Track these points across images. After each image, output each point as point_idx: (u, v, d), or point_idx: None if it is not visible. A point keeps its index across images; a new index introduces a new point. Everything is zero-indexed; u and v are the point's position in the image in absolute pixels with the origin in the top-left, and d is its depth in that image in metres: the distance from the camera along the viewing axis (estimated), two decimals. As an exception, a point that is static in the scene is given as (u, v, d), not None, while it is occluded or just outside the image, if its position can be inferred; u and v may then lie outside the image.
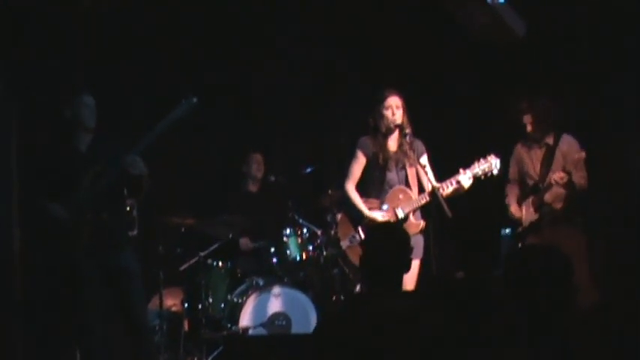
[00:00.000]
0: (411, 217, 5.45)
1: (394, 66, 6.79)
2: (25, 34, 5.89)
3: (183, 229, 6.30)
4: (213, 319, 6.15)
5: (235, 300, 6.14)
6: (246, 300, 6.04)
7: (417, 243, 5.30)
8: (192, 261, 6.24)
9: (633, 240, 6.06)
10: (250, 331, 5.96)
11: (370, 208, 5.45)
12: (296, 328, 6.02)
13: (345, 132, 6.30)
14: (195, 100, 4.72)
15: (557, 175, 5.77)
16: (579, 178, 5.83)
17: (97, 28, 6.29)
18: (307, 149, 7.07)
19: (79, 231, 4.66)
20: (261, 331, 5.98)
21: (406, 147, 5.45)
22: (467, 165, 5.39)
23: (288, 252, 6.34)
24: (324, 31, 7.09)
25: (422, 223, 5.45)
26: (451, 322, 3.16)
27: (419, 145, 5.50)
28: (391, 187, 5.50)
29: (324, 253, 6.27)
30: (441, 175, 5.43)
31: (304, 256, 6.33)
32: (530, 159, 6.04)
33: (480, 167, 5.38)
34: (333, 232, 6.03)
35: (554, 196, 5.89)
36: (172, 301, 6.34)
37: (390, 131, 5.47)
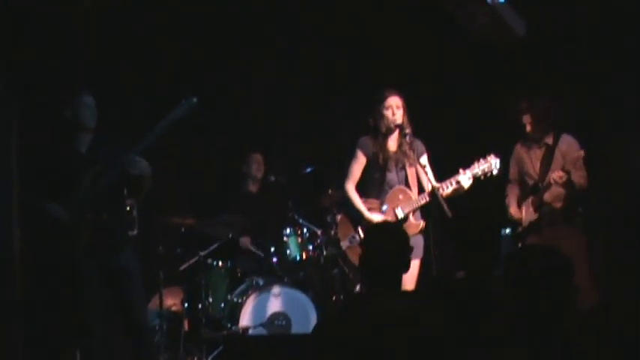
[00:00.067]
0: (411, 217, 5.45)
1: (394, 66, 6.79)
2: (25, 34, 5.89)
3: (183, 229, 6.31)
4: (213, 319, 6.15)
5: (235, 300, 6.14)
6: (246, 300, 6.04)
7: (417, 243, 5.30)
8: (192, 261, 6.25)
9: (633, 240, 6.06)
10: (250, 331, 5.96)
11: (370, 209, 5.45)
12: (296, 328, 6.02)
13: (345, 132, 6.30)
14: (195, 100, 4.72)
15: (556, 175, 5.77)
16: (579, 177, 5.83)
17: (97, 28, 6.29)
18: (307, 149, 7.08)
19: (79, 231, 4.66)
20: (261, 330, 5.98)
21: (406, 147, 5.45)
22: (467, 165, 5.39)
23: (288, 252, 6.34)
24: (324, 31, 7.09)
25: (422, 224, 5.45)
26: (451, 322, 3.16)
27: (419, 145, 5.50)
28: (391, 187, 5.50)
29: (324, 253, 6.27)
30: (441, 175, 5.43)
31: (304, 256, 6.33)
32: (530, 159, 6.04)
33: (479, 167, 5.38)
34: (333, 232, 6.03)
35: (553, 195, 5.89)
36: (172, 301, 6.35)
37: (390, 131, 5.47)
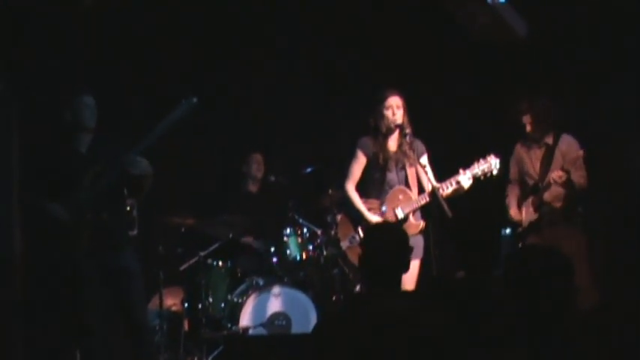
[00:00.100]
0: (411, 217, 5.45)
1: (394, 66, 6.79)
2: (25, 34, 5.89)
3: (183, 229, 6.31)
4: (214, 319, 6.15)
5: (235, 300, 6.14)
6: (246, 300, 6.04)
7: (417, 243, 5.29)
8: (193, 261, 6.24)
9: (633, 240, 6.06)
10: (250, 331, 5.96)
11: (370, 209, 5.45)
12: (296, 328, 6.02)
13: (346, 132, 6.30)
14: (195, 100, 4.72)
15: (555, 174, 5.77)
16: (579, 177, 5.83)
17: (97, 28, 6.29)
18: (307, 149, 7.07)
19: (79, 231, 4.66)
20: (261, 330, 5.98)
21: (406, 147, 5.45)
22: (467, 165, 5.39)
23: (288, 252, 6.34)
24: (324, 31, 7.09)
25: (422, 224, 5.45)
26: (451, 322, 3.16)
27: (419, 145, 5.50)
28: (391, 187, 5.50)
29: (324, 253, 6.27)
30: (441, 176, 5.43)
31: (304, 256, 6.33)
32: (530, 159, 6.04)
33: (479, 167, 5.38)
34: (333, 232, 6.02)
35: (553, 195, 5.89)
36: (172, 301, 6.35)
37: (390, 131, 5.47)
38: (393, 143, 5.51)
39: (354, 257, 5.41)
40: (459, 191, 5.33)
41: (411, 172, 5.50)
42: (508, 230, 6.05)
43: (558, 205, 5.89)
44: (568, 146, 5.91)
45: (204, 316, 6.11)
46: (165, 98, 4.95)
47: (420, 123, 5.55)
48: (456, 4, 6.29)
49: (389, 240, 3.41)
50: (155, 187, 4.87)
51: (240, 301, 6.09)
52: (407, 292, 4.21)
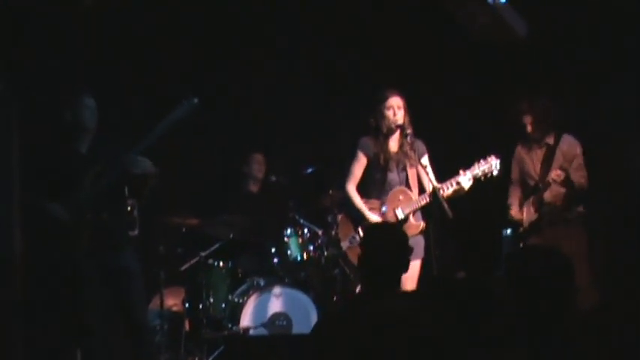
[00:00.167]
0: (411, 218, 5.45)
1: (394, 66, 6.79)
2: (25, 34, 5.89)
3: (184, 229, 6.31)
4: (214, 319, 6.15)
5: (236, 300, 6.14)
6: (247, 300, 6.04)
7: (418, 243, 5.30)
8: (193, 261, 6.24)
9: (633, 240, 6.06)
10: (251, 331, 5.95)
11: (371, 209, 5.46)
12: (297, 329, 6.02)
13: (346, 132, 6.30)
14: (195, 100, 4.72)
15: (554, 173, 5.77)
16: (579, 177, 5.83)
17: (97, 28, 6.29)
18: (308, 149, 7.07)
19: (79, 231, 4.66)
20: (262, 331, 5.98)
21: (407, 147, 5.45)
22: (467, 166, 5.39)
23: (289, 252, 6.34)
24: (324, 31, 7.09)
25: (422, 224, 5.45)
26: (451, 322, 3.16)
27: (420, 145, 5.50)
28: (392, 187, 5.50)
29: (325, 253, 6.26)
30: (441, 176, 5.43)
31: (305, 257, 6.33)
32: (531, 159, 6.04)
33: (479, 168, 5.38)
34: (333, 233, 6.02)
35: (553, 195, 5.89)
36: (173, 301, 6.35)
37: (391, 132, 5.47)
38: (394, 144, 5.51)
39: (354, 257, 5.40)
40: (459, 192, 5.33)
41: (411, 173, 5.50)
42: (509, 231, 6.04)
43: (559, 205, 5.89)
44: (569, 146, 5.91)
45: (205, 316, 6.11)
46: (165, 98, 4.95)
47: (420, 123, 5.55)
48: (456, 4, 6.29)
49: (388, 240, 3.41)
50: (156, 187, 4.87)
51: (240, 301, 6.09)
52: (407, 292, 4.22)
